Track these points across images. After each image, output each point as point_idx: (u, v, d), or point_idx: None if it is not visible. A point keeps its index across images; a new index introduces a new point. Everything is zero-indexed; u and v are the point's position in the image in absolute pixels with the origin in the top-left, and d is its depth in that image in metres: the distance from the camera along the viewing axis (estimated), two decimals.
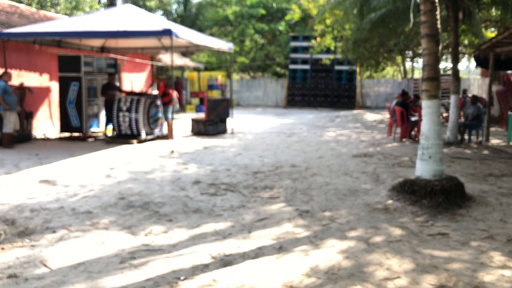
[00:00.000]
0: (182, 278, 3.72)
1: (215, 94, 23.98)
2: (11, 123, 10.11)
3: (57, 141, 11.65)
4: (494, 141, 11.79)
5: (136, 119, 11.26)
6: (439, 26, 6.31)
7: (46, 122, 13.13)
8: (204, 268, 3.92)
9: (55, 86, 12.93)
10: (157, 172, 7.79)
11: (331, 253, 4.26)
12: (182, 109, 22.57)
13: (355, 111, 23.55)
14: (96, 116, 12.38)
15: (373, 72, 28.54)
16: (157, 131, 12.08)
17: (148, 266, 3.96)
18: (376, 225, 5.08)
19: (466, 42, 17.31)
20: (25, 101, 11.36)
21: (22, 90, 11.13)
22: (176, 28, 10.39)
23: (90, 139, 11.95)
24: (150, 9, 27.38)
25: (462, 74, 36.43)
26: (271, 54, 29.68)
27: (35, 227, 4.89)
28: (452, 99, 11.69)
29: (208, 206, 5.78)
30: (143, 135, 11.36)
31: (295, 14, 23.55)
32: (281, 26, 28.60)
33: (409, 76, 30.24)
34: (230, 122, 14.12)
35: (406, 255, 4.21)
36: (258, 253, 4.27)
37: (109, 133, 12.21)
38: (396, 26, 12.71)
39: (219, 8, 29.88)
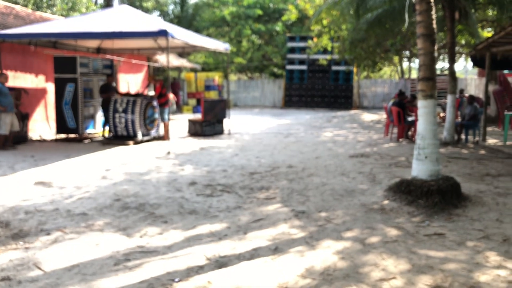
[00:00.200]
0: (176, 280, 3.70)
1: (212, 95, 23.96)
2: (7, 124, 10.06)
3: (53, 142, 11.61)
4: (491, 141, 11.79)
5: (132, 120, 11.24)
6: (434, 26, 6.30)
7: (42, 124, 13.09)
8: (199, 269, 3.90)
9: (51, 87, 12.88)
10: (153, 173, 7.76)
11: (327, 254, 4.25)
12: (179, 110, 22.54)
13: (352, 112, 23.55)
14: (92, 117, 12.35)
15: (370, 72, 28.53)
16: (153, 132, 12.06)
17: (142, 268, 3.93)
18: (372, 225, 5.06)
19: (463, 42, 17.32)
20: (21, 103, 11.31)
21: (17, 91, 11.08)
22: (172, 28, 10.37)
23: (86, 141, 11.92)
24: (146, 10, 27.36)
25: (459, 74, 36.46)
26: (268, 55, 29.68)
27: (30, 229, 4.86)
28: (449, 99, 11.69)
29: (204, 207, 5.76)
30: (140, 136, 11.33)
31: (291, 15, 23.56)
32: (278, 27, 28.60)
33: (406, 76, 30.28)
34: (227, 123, 14.10)
35: (402, 256, 4.19)
36: (254, 254, 4.25)
37: (107, 134, 12.18)
38: (392, 26, 12.71)
39: (216, 9, 29.86)
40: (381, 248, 4.39)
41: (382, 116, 20.21)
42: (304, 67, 26.08)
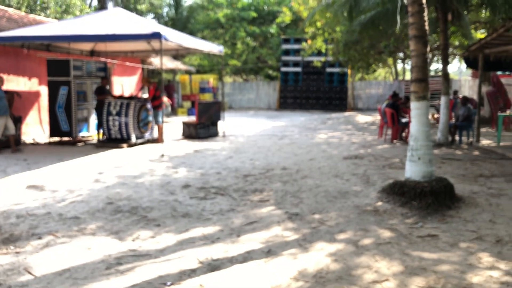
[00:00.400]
0: (168, 283, 3.68)
1: (207, 97, 23.93)
2: (1, 126, 10.00)
3: (46, 145, 11.55)
4: (484, 142, 11.83)
5: (126, 123, 11.20)
6: (427, 27, 6.32)
7: (35, 127, 13.02)
8: (191, 273, 3.88)
9: (44, 91, 12.83)
10: (146, 176, 7.73)
11: (320, 256, 4.23)
12: (174, 112, 22.50)
13: (347, 113, 23.59)
14: (86, 120, 12.31)
15: (364, 74, 28.61)
16: (147, 135, 12.02)
17: (134, 272, 3.90)
18: (366, 227, 5.06)
19: (456, 43, 17.39)
20: (14, 106, 11.25)
21: (10, 94, 11.02)
22: (166, 31, 10.35)
23: (80, 144, 11.87)
24: (141, 13, 27.33)
25: (453, 75, 36.63)
26: (263, 57, 29.71)
27: (21, 234, 4.82)
28: (443, 100, 11.73)
29: (197, 210, 5.74)
30: (133, 139, 11.29)
31: (286, 17, 23.60)
32: (273, 29, 28.65)
33: (401, 77, 30.36)
34: (221, 125, 14.08)
35: (395, 258, 4.19)
36: (247, 257, 4.23)
37: (101, 137, 12.13)
38: (386, 28, 12.73)
39: (210, 11, 29.88)
40: (374, 250, 4.39)
41: (377, 117, 20.25)
42: (298, 69, 26.11)
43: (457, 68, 42.78)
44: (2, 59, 11.75)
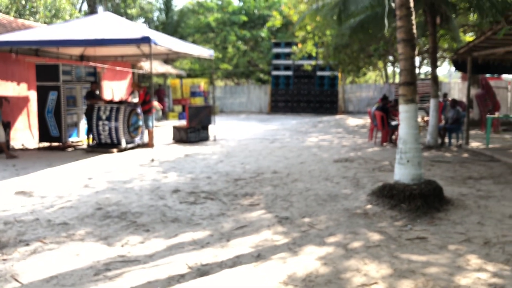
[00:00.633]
0: None
1: (198, 101, 23.91)
2: None
3: (35, 151, 11.46)
4: (473, 144, 11.92)
5: (116, 127, 11.15)
6: (415, 31, 6.36)
7: (24, 132, 12.92)
8: (180, 278, 3.86)
9: (33, 96, 12.73)
10: (136, 181, 7.69)
11: (309, 260, 4.23)
12: (165, 116, 22.44)
13: (338, 116, 23.68)
14: (76, 125, 12.23)
15: (355, 77, 28.76)
16: (137, 140, 11.97)
17: (123, 278, 3.88)
18: (355, 230, 5.07)
19: (446, 46, 17.53)
20: (3, 111, 11.15)
21: None
22: (156, 35, 10.33)
23: (70, 149, 11.79)
24: (131, 17, 27.25)
25: (443, 78, 36.93)
26: (254, 61, 29.75)
27: (8, 240, 4.77)
28: (432, 103, 11.80)
29: (187, 215, 5.72)
30: (123, 144, 11.24)
31: (276, 21, 23.67)
32: (263, 33, 28.71)
33: (391, 80, 30.54)
34: (212, 129, 14.07)
35: (384, 260, 4.20)
36: (236, 261, 4.22)
37: (91, 142, 12.06)
38: (375, 32, 12.80)
39: (200, 15, 29.89)
40: (363, 253, 4.39)
41: (367, 120, 20.33)
42: (289, 72, 26.18)
43: (447, 71, 43.16)
44: None
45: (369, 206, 5.99)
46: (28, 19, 19.30)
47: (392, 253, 4.39)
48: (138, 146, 11.93)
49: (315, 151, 11.18)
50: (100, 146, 11.30)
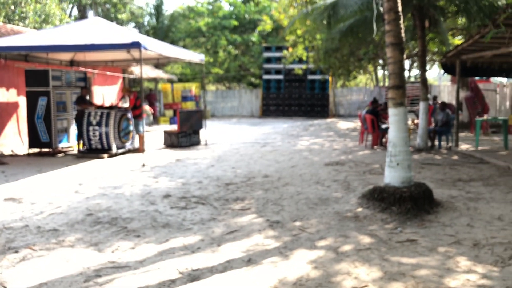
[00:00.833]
0: None
1: (190, 106, 23.88)
2: None
3: (25, 157, 11.38)
4: (463, 146, 12.02)
5: (107, 133, 11.10)
6: (403, 35, 6.41)
7: (14, 138, 12.82)
8: (170, 284, 3.85)
9: (22, 101, 12.65)
10: (127, 186, 7.66)
11: (300, 263, 4.24)
12: (156, 121, 22.38)
13: (329, 120, 23.75)
14: (66, 130, 12.16)
15: (346, 80, 28.90)
16: (128, 145, 11.93)
17: (113, 284, 3.86)
18: (346, 233, 5.09)
19: (435, 49, 17.68)
20: None
21: None
22: (146, 40, 10.32)
23: (60, 155, 11.72)
24: (122, 22, 27.21)
25: (433, 81, 37.21)
26: (245, 65, 29.80)
27: None
28: (421, 106, 11.89)
29: (178, 220, 5.71)
30: (114, 149, 11.20)
31: (266, 25, 23.74)
32: (254, 37, 28.79)
33: (381, 84, 30.71)
34: (203, 134, 14.06)
35: (374, 263, 4.22)
36: (227, 266, 4.22)
37: (81, 147, 11.99)
38: (365, 36, 12.89)
39: (191, 20, 29.90)
40: (354, 256, 4.41)
41: (358, 124, 20.41)
42: (280, 76, 26.26)
43: (437, 74, 43.46)
44: None
45: (359, 209, 6.01)
46: (18, 25, 19.18)
47: (383, 256, 4.41)
48: (129, 151, 11.89)
49: (306, 155, 11.20)
50: (91, 152, 11.25)
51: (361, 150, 11.90)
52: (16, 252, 4.63)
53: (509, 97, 17.64)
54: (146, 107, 20.20)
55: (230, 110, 28.62)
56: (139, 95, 11.63)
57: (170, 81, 25.53)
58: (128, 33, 11.57)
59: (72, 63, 14.18)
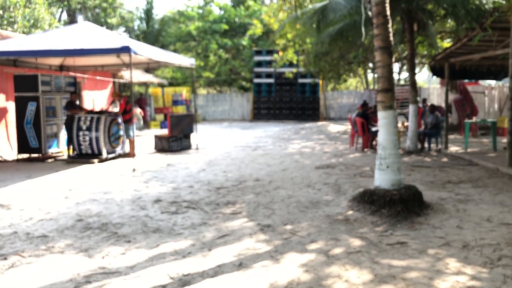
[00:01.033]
0: None
1: (180, 110, 23.83)
2: None
3: (14, 163, 11.29)
4: (452, 149, 12.11)
5: (97, 137, 11.05)
6: (392, 39, 6.46)
7: (2, 144, 12.71)
8: None
9: (11, 107, 12.55)
10: (117, 191, 7.63)
11: (291, 267, 4.25)
12: (147, 125, 22.32)
13: (320, 123, 23.83)
14: (56, 136, 12.09)
15: (336, 84, 29.02)
16: (118, 150, 11.88)
17: None
18: (336, 236, 5.10)
19: (424, 52, 17.82)
20: None
21: None
22: (136, 45, 10.29)
23: (50, 160, 11.64)
24: (112, 26, 27.13)
25: (422, 84, 37.47)
26: (235, 69, 29.83)
27: None
28: (411, 109, 11.98)
29: (169, 225, 5.69)
30: (104, 154, 11.15)
31: (257, 29, 23.80)
32: (244, 41, 28.84)
33: (371, 87, 30.88)
34: (194, 138, 14.03)
35: (365, 266, 4.23)
36: (218, 271, 4.21)
37: (71, 152, 11.92)
38: (354, 39, 12.97)
39: (181, 24, 29.89)
40: (344, 259, 4.42)
41: (348, 127, 20.50)
42: (271, 80, 26.34)
43: (427, 76, 43.76)
44: None
45: (350, 212, 6.03)
46: (6, 29, 19.05)
47: (373, 258, 4.42)
48: (120, 156, 11.84)
49: (297, 158, 11.23)
50: (81, 157, 11.19)
51: (351, 153, 11.95)
52: (5, 259, 4.58)
53: (497, 99, 17.82)
54: (137, 110, 20.12)
55: (221, 114, 28.63)
56: (129, 99, 11.60)
57: (161, 85, 25.47)
58: (118, 38, 11.53)
59: (61, 68, 14.11)
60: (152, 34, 29.20)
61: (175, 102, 24.27)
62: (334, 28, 12.31)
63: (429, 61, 14.36)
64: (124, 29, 30.71)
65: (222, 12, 30.39)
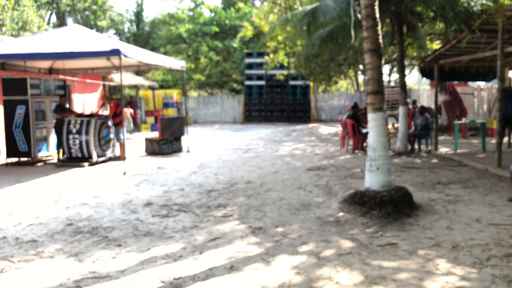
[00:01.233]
0: None
1: (171, 112, 23.79)
2: None
3: (3, 167, 11.19)
4: (442, 150, 12.19)
5: (87, 141, 10.99)
6: (381, 41, 6.50)
7: None
8: None
9: None
10: (107, 195, 7.59)
11: (282, 269, 4.25)
12: (137, 128, 22.23)
13: (311, 125, 23.89)
14: (45, 139, 11.99)
15: (327, 86, 29.14)
16: (109, 153, 11.82)
17: None
18: (327, 238, 5.12)
19: (414, 54, 17.95)
20: None
21: None
22: (125, 47, 10.25)
23: (39, 164, 11.55)
24: (102, 29, 26.97)
25: (413, 85, 37.68)
26: (226, 71, 29.81)
27: None
28: (401, 110, 12.05)
29: (160, 228, 5.67)
30: (95, 157, 11.08)
31: (247, 31, 23.82)
32: (235, 43, 28.83)
33: (362, 88, 31.01)
34: (185, 140, 14.00)
35: (355, 268, 4.25)
36: (209, 274, 4.20)
37: (61, 156, 11.83)
38: (344, 41, 13.02)
39: (172, 26, 29.82)
40: (335, 260, 4.44)
41: (339, 128, 20.56)
42: (262, 82, 26.36)
43: (416, 78, 44.04)
44: None
45: (341, 214, 6.05)
46: None
47: (364, 260, 4.44)
48: (110, 159, 11.77)
49: (288, 160, 11.25)
50: (71, 160, 11.12)
51: (342, 155, 12.00)
52: None
53: (486, 100, 17.99)
54: (127, 111, 19.99)
55: (212, 116, 28.60)
56: (120, 102, 11.55)
57: (151, 88, 25.39)
58: (108, 41, 11.49)
59: (51, 71, 14.00)
60: (142, 37, 29.08)
61: (166, 105, 24.23)
62: (324, 30, 12.35)
63: (419, 63, 14.46)
64: (114, 31, 30.54)
65: (212, 15, 30.37)
